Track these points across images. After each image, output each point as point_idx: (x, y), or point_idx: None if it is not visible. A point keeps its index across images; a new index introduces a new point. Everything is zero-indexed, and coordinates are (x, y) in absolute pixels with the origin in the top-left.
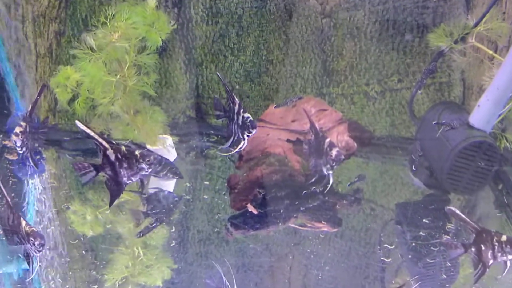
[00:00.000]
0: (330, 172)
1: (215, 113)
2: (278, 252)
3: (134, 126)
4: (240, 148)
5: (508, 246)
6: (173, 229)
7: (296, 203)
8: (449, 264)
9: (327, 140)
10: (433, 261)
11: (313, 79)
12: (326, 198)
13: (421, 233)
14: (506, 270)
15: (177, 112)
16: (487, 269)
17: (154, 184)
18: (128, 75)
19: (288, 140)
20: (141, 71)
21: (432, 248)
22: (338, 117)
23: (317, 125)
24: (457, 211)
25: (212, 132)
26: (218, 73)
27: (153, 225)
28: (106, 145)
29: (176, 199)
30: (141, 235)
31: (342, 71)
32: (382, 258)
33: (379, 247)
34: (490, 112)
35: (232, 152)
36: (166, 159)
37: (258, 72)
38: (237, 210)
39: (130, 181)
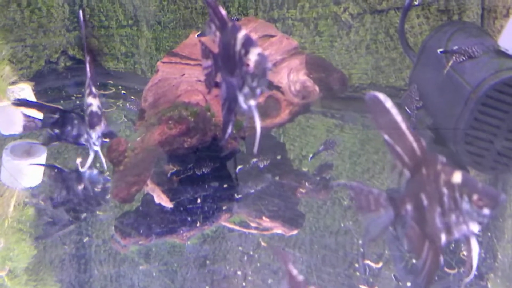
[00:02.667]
0: (252, 103)
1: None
2: (216, 271)
3: None
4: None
5: (466, 196)
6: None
7: (226, 186)
8: None
9: (241, 34)
10: None
11: None
12: (277, 178)
13: None
14: (473, 257)
15: (53, 52)
16: (440, 257)
17: (5, 175)
18: None
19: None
20: None
21: (446, 268)
22: (292, 46)
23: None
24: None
25: (110, 81)
26: None
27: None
28: None
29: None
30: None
31: None
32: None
33: (359, 263)
34: None
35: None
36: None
37: None
38: (120, 201)
39: None
